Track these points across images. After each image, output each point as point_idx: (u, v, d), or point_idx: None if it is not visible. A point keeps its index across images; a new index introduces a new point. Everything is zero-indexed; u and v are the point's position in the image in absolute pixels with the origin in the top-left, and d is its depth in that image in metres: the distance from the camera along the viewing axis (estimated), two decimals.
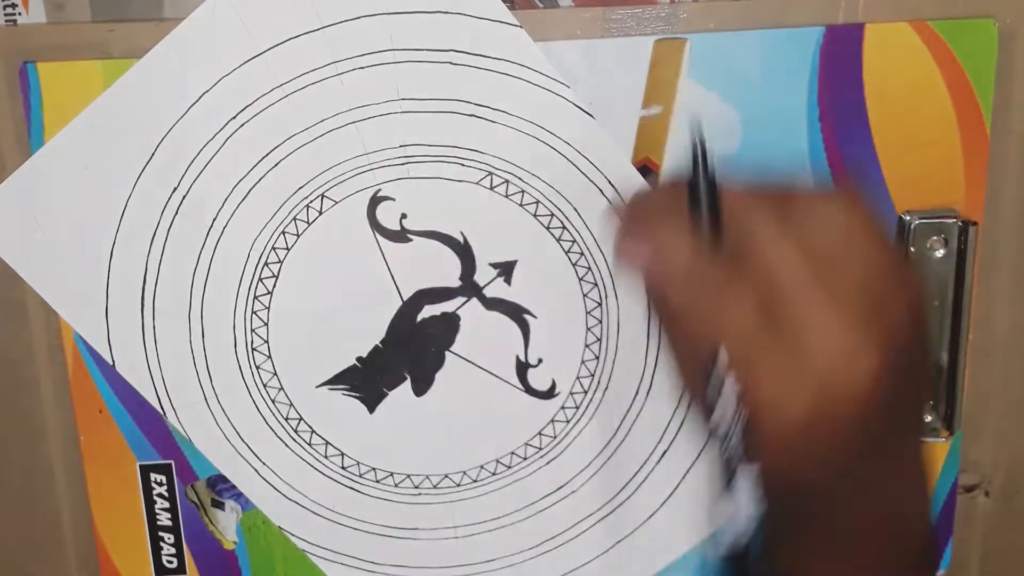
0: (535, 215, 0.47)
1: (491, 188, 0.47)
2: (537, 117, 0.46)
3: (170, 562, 0.52)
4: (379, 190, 0.47)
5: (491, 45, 0.45)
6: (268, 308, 0.48)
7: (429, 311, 0.49)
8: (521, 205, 0.47)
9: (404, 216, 0.47)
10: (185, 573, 0.52)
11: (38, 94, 0.45)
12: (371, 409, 0.50)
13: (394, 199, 0.47)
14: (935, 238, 0.48)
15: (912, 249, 0.48)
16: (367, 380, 0.50)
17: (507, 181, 0.47)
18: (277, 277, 0.48)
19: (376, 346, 0.49)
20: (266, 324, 0.48)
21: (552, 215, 0.47)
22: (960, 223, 0.48)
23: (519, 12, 0.46)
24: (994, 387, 0.51)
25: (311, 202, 0.47)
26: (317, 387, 0.49)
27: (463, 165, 0.47)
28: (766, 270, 0.31)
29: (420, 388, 0.50)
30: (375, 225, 0.47)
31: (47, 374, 0.49)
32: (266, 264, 0.48)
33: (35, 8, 0.45)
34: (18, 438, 0.50)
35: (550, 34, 0.46)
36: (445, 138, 0.46)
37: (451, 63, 0.45)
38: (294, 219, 0.47)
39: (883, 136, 0.47)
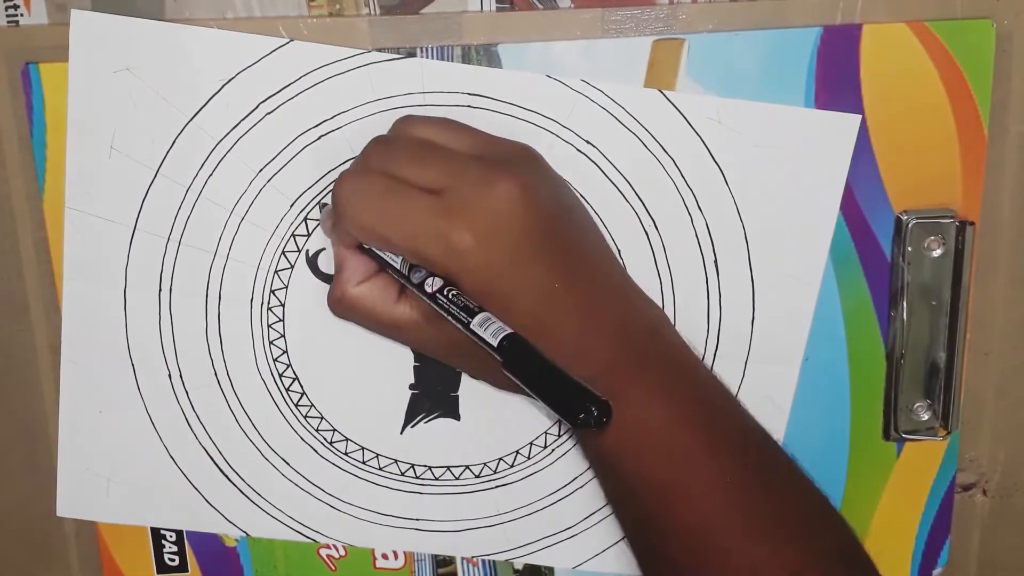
0: None
1: None
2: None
3: (172, 560, 0.52)
4: None
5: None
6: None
7: None
8: None
9: None
10: (187, 571, 0.52)
11: (40, 95, 0.46)
12: (457, 417, 0.50)
13: None
14: (932, 238, 0.48)
15: (909, 248, 0.48)
16: (433, 397, 0.50)
17: None
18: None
19: (415, 366, 0.49)
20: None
21: None
22: (957, 223, 0.48)
23: (521, 13, 0.46)
24: (991, 386, 0.51)
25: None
26: (402, 433, 0.50)
27: None
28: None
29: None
30: None
31: (48, 373, 0.49)
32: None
33: (37, 9, 0.46)
34: (19, 438, 0.50)
35: (549, 35, 0.46)
36: None
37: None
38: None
39: (880, 136, 0.47)
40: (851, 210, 0.48)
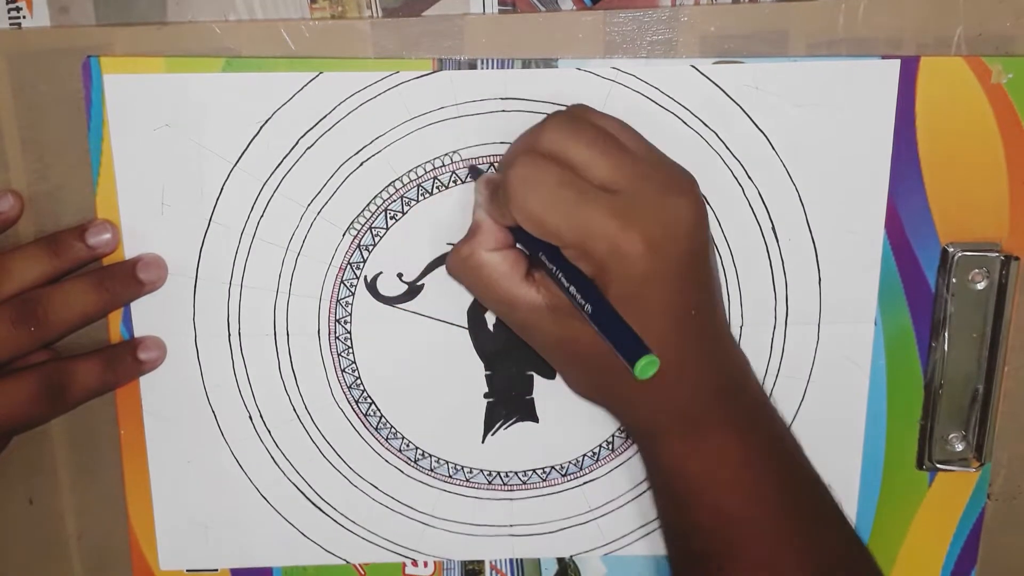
0: None
1: None
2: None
3: None
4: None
5: None
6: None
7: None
8: None
9: None
10: (216, 570, 0.52)
11: (100, 88, 0.46)
12: (535, 419, 0.51)
13: None
14: (977, 271, 0.48)
15: (954, 280, 0.48)
16: (509, 403, 0.50)
17: None
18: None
19: (486, 375, 0.50)
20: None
21: None
22: (1002, 257, 0.48)
23: (523, 15, 0.45)
24: (994, 389, 0.50)
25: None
26: (483, 442, 0.51)
27: None
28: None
29: (548, 371, 0.50)
30: None
31: None
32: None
33: (39, 11, 0.45)
34: (23, 438, 0.49)
35: (551, 37, 0.45)
36: None
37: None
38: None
39: (931, 168, 0.47)
40: (898, 239, 0.48)
